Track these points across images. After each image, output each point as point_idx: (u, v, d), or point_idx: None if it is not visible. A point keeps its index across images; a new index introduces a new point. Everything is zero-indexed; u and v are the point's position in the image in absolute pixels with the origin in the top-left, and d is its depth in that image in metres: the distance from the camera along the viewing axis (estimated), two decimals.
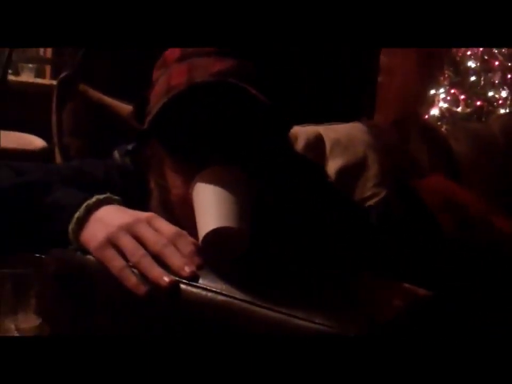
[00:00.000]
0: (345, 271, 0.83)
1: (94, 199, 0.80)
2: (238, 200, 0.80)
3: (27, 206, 0.83)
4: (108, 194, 0.81)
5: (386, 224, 1.08)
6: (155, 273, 0.72)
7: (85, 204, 0.79)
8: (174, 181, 0.88)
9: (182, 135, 0.87)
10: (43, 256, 0.78)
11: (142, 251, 0.74)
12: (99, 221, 0.78)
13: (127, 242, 0.75)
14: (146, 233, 0.75)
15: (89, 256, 0.77)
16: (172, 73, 0.87)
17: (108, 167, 0.99)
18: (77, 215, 0.78)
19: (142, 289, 0.72)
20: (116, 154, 1.01)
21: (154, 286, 0.71)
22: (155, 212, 0.82)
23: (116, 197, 0.82)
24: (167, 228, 0.77)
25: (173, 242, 0.75)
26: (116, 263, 0.74)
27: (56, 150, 1.36)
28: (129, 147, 1.00)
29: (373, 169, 1.80)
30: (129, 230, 0.75)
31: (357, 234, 0.99)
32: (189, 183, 0.84)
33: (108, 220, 0.77)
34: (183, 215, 0.86)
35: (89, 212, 0.79)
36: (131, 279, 0.73)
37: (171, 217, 0.83)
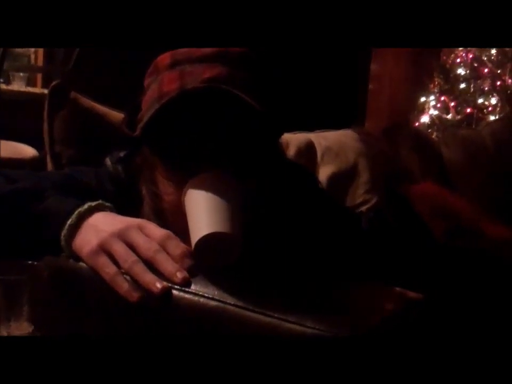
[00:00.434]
0: (337, 276, 0.83)
1: (86, 206, 0.80)
2: (230, 206, 0.80)
3: (19, 213, 0.82)
4: (99, 201, 0.81)
5: (377, 230, 1.08)
6: (147, 279, 0.72)
7: (77, 211, 0.79)
8: (166, 188, 0.89)
9: (174, 142, 0.87)
10: (35, 263, 0.78)
11: (134, 257, 0.74)
12: (91, 227, 0.78)
13: (119, 249, 0.75)
14: (138, 239, 0.75)
15: (81, 263, 0.77)
16: (163, 80, 0.88)
17: (99, 175, 0.99)
18: (69, 221, 0.78)
19: (134, 295, 0.72)
20: (108, 161, 1.01)
21: (146, 292, 0.71)
22: (147, 219, 0.82)
23: (108, 204, 0.82)
24: (157, 231, 0.77)
25: (163, 245, 0.75)
26: (108, 269, 0.74)
27: (48, 159, 1.36)
28: (121, 154, 1.01)
29: (364, 176, 1.81)
30: (121, 236, 0.76)
31: (349, 240, 0.99)
32: (181, 190, 0.84)
33: (99, 227, 0.77)
34: (175, 222, 0.86)
35: (81, 218, 0.79)
36: (123, 286, 0.73)
37: (163, 224, 0.83)
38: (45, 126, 1.35)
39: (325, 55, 3.77)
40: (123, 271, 0.74)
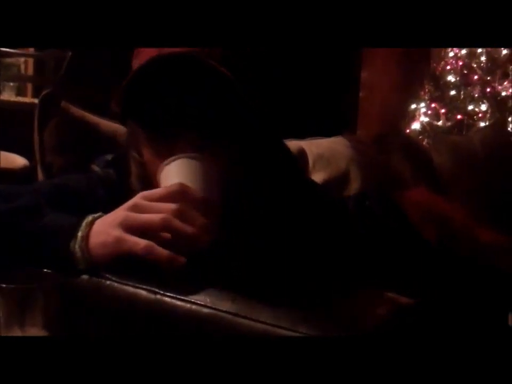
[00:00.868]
0: (329, 279, 0.83)
1: (90, 217, 0.81)
2: (204, 189, 0.80)
3: (18, 232, 0.82)
4: (100, 213, 0.82)
5: (363, 213, 1.08)
6: (189, 230, 0.72)
7: (84, 222, 0.80)
8: (150, 157, 0.90)
9: (152, 110, 0.88)
10: (46, 270, 0.78)
11: (161, 215, 0.74)
12: (99, 227, 0.79)
13: (141, 217, 0.75)
14: (149, 208, 0.76)
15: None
16: (144, 55, 0.89)
17: (90, 180, 0.99)
18: (80, 233, 0.79)
19: (180, 259, 0.72)
20: (96, 167, 1.01)
21: (189, 247, 0.72)
22: (134, 187, 0.84)
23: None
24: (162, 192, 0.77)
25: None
26: (141, 244, 0.73)
27: (39, 168, 1.35)
28: (109, 158, 1.01)
29: (355, 183, 1.81)
30: (132, 209, 0.76)
31: (335, 224, 0.99)
32: (163, 158, 0.85)
33: (107, 222, 0.78)
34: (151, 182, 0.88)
35: (88, 228, 0.79)
36: (163, 253, 0.72)
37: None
38: (35, 135, 1.35)
39: (316, 63, 3.78)
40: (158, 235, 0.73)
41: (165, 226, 0.73)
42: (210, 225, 0.75)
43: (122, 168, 0.97)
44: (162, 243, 0.74)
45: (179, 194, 0.76)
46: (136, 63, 0.93)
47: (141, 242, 0.74)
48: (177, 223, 0.73)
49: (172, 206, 0.75)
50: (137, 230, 0.75)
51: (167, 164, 0.83)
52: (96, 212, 0.84)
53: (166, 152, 0.86)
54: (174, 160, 0.82)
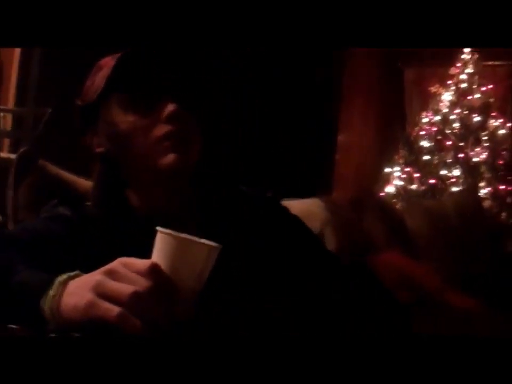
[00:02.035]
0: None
1: (65, 276, 0.79)
2: (197, 271, 0.79)
3: None
4: (77, 272, 0.81)
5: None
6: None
7: (57, 281, 0.79)
8: (122, 117, 0.96)
9: (140, 79, 0.95)
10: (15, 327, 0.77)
11: (132, 287, 0.73)
12: (76, 288, 0.77)
13: (114, 284, 0.74)
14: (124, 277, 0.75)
15: None
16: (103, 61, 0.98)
17: (46, 222, 0.99)
18: (52, 292, 0.78)
19: (154, 331, 0.71)
20: (44, 213, 1.02)
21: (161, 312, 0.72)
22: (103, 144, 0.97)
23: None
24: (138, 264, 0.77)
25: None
26: (114, 311, 0.72)
27: (10, 224, 1.34)
28: (54, 201, 1.01)
29: (329, 245, 1.82)
30: (108, 274, 0.75)
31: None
32: (137, 120, 0.94)
33: (82, 284, 0.77)
34: (124, 144, 0.95)
35: (61, 288, 0.78)
36: (136, 323, 0.71)
37: (118, 149, 0.95)
38: (10, 192, 1.34)
39: (293, 121, 3.83)
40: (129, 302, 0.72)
41: (134, 301, 0.72)
42: (180, 311, 0.74)
43: (74, 201, 0.99)
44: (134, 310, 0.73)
45: (156, 273, 0.75)
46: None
47: (114, 310, 0.72)
48: (147, 302, 0.73)
49: (146, 282, 0.74)
50: (109, 296, 0.74)
51: (162, 232, 0.81)
52: (60, 253, 0.84)
53: (148, 113, 0.94)
54: (169, 234, 0.81)
